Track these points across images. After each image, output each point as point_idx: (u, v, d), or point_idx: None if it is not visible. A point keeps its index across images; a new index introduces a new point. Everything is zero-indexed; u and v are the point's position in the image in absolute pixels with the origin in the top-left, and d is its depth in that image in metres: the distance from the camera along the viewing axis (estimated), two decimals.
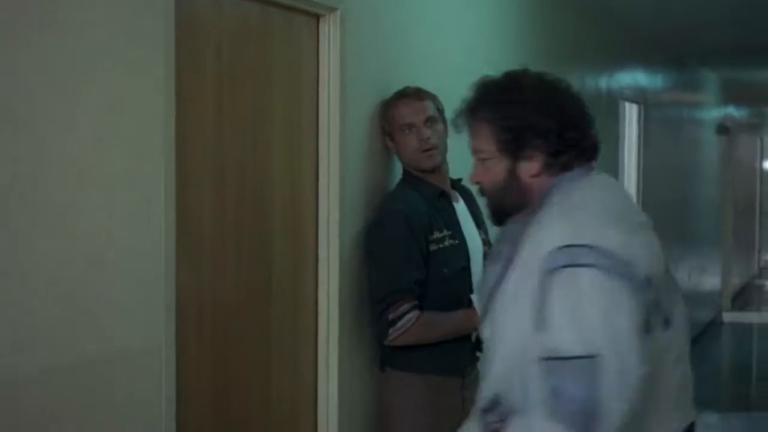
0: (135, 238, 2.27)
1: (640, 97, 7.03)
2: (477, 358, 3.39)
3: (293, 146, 2.96)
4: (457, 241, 3.21)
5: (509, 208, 2.30)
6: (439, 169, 3.25)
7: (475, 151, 2.31)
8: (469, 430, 2.31)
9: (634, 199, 7.25)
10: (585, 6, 5.76)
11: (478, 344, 3.37)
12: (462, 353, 3.25)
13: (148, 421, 2.32)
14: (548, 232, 2.12)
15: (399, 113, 3.21)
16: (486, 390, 2.25)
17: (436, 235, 3.15)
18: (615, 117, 6.57)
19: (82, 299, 2.14)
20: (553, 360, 2.06)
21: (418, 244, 3.10)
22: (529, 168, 2.25)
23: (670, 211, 7.98)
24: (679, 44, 7.78)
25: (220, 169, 2.63)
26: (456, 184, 3.38)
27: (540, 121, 2.23)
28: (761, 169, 16.56)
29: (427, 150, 3.19)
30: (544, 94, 2.28)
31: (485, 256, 3.36)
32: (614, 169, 6.61)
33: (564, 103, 2.28)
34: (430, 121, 3.21)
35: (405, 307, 3.07)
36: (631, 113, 7.07)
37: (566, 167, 2.25)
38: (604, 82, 6.25)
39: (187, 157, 2.48)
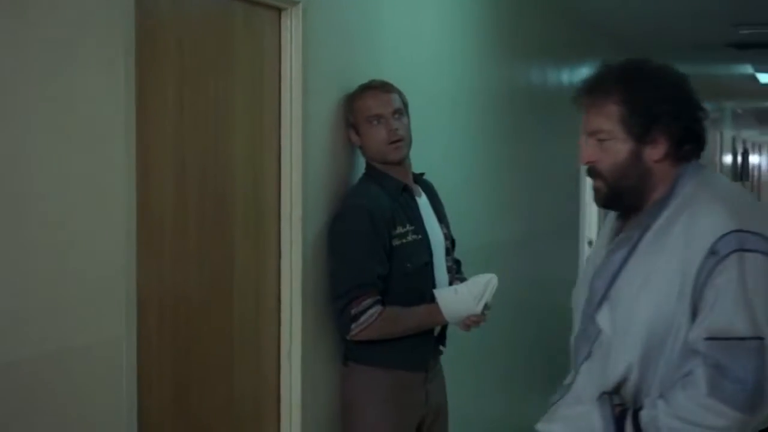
0: (95, 232, 2.26)
1: None
2: (440, 352, 3.39)
3: (255, 141, 2.95)
4: (420, 236, 3.21)
5: (625, 190, 2.33)
6: (403, 162, 3.25)
7: (594, 131, 2.33)
8: (587, 414, 2.30)
9: None
10: (546, 0, 5.78)
11: (441, 338, 3.38)
12: (425, 348, 3.25)
13: (109, 414, 2.31)
14: (712, 219, 2.18)
15: (366, 105, 3.21)
16: (614, 373, 2.26)
17: (399, 230, 3.15)
18: (577, 111, 6.59)
19: (41, 292, 2.12)
20: (722, 340, 2.13)
21: (381, 239, 3.10)
22: (653, 153, 2.29)
23: None
24: (638, 39, 7.83)
25: (181, 164, 2.62)
26: (418, 179, 3.38)
27: (671, 108, 2.28)
28: (721, 163, 16.74)
29: (395, 142, 3.19)
30: (675, 83, 2.33)
31: (447, 251, 3.37)
32: (576, 163, 6.65)
33: (689, 93, 2.34)
34: (397, 113, 3.22)
35: (368, 302, 3.06)
36: None
37: (686, 157, 2.32)
38: (566, 77, 6.28)
39: (149, 152, 2.46)
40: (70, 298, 2.19)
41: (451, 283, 3.32)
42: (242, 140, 2.88)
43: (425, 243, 3.24)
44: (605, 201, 2.38)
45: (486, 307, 3.18)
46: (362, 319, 3.07)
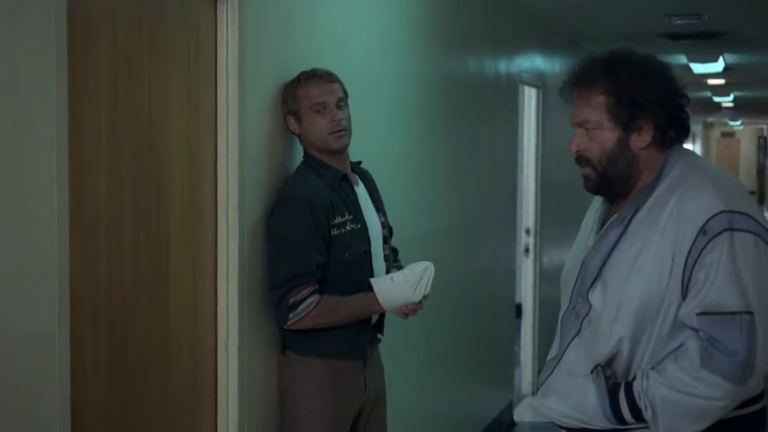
0: (26, 224, 2.23)
1: (538, 81, 7.13)
2: (378, 340, 3.40)
3: (191, 130, 2.93)
4: (358, 226, 3.22)
5: (614, 177, 2.45)
6: (343, 152, 3.25)
7: (581, 122, 2.45)
8: (582, 387, 2.39)
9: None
10: None
11: (379, 326, 3.39)
12: (362, 336, 3.27)
13: (42, 408, 2.28)
14: (702, 200, 2.30)
15: (311, 92, 3.19)
16: (606, 346, 2.37)
17: (338, 219, 3.16)
18: (514, 101, 6.65)
19: None
20: (714, 315, 2.25)
21: (320, 228, 3.10)
22: (639, 140, 2.41)
23: (567, 193, 8.13)
24: (575, 29, 7.90)
25: (116, 154, 2.59)
26: (355, 168, 3.38)
27: (656, 97, 2.38)
28: None
29: (338, 131, 3.18)
30: (657, 71, 2.43)
31: (385, 240, 3.38)
32: (514, 152, 6.70)
33: (672, 82, 2.43)
34: (340, 102, 3.22)
35: (306, 291, 3.07)
36: (530, 97, 7.16)
37: (671, 143, 2.43)
38: (503, 66, 6.32)
39: (82, 143, 2.43)
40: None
41: (388, 272, 3.34)
42: (178, 130, 2.86)
43: (364, 232, 3.25)
44: (595, 187, 2.50)
45: (423, 296, 3.20)
46: (300, 308, 3.07)
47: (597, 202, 2.61)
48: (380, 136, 4.13)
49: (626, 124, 2.39)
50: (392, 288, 3.16)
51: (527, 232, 7.23)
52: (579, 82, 2.45)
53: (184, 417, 2.94)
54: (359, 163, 3.43)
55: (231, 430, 3.07)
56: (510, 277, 6.73)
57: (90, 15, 2.48)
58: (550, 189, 7.41)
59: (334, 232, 3.15)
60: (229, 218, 3.04)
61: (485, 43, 5.92)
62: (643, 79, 2.39)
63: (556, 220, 7.68)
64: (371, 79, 4.05)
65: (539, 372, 7.20)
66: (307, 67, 3.30)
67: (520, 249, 7.16)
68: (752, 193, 26.72)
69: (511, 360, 6.84)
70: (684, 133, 2.45)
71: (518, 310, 7.15)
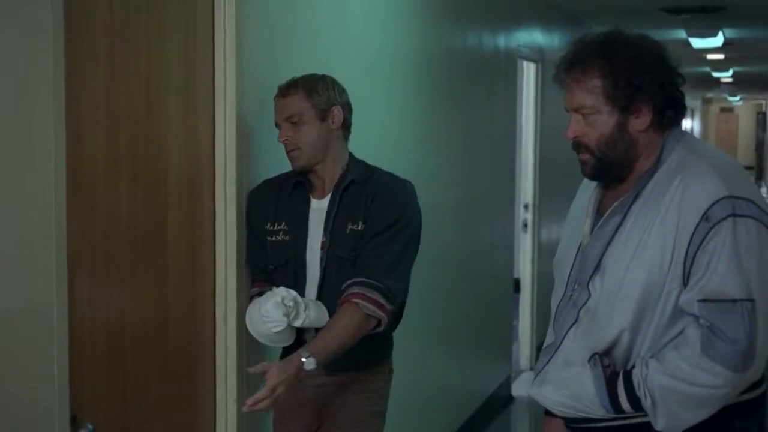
0: (23, 195, 2.22)
1: (537, 55, 7.10)
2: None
3: (189, 103, 2.92)
4: (288, 238, 2.98)
5: (613, 161, 2.38)
6: (312, 169, 2.98)
7: (578, 107, 2.37)
8: (578, 376, 2.36)
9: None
10: None
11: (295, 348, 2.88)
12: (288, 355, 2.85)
13: (40, 380, 2.29)
14: (704, 185, 2.25)
15: (274, 111, 3.04)
16: (606, 336, 2.33)
17: (270, 227, 3.02)
18: (513, 75, 6.62)
19: None
20: (715, 302, 2.22)
21: (255, 231, 3.06)
22: (637, 123, 2.35)
23: (565, 168, 8.11)
24: (574, 4, 7.86)
25: (113, 125, 2.59)
26: (349, 177, 2.98)
27: (652, 77, 2.32)
28: None
29: (289, 151, 2.96)
30: (652, 51, 2.37)
31: (323, 262, 2.95)
32: (512, 127, 6.69)
33: (667, 61, 2.38)
34: (294, 118, 2.93)
35: (254, 290, 3.05)
36: (528, 72, 7.14)
37: (669, 125, 2.37)
38: (501, 41, 6.29)
39: (79, 113, 2.42)
40: None
41: (319, 296, 2.95)
42: (175, 102, 2.85)
43: (293, 247, 2.97)
44: (593, 173, 2.43)
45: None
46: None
47: (589, 186, 2.54)
48: (378, 112, 4.12)
49: (624, 107, 2.32)
50: (252, 312, 2.93)
51: (526, 207, 7.23)
52: (573, 66, 2.36)
53: (183, 390, 2.94)
54: (371, 173, 3.05)
55: (229, 404, 3.08)
56: (508, 252, 6.73)
57: None
58: (548, 164, 7.40)
59: (268, 238, 3.02)
60: (227, 191, 3.04)
61: (484, 18, 5.89)
62: (639, 59, 2.32)
63: (554, 195, 7.67)
64: (369, 54, 4.04)
65: (537, 347, 7.20)
66: (304, 41, 3.27)
67: (519, 224, 7.16)
68: (750, 168, 26.72)
69: (509, 334, 6.85)
70: (681, 114, 2.39)
71: (516, 284, 7.16)
